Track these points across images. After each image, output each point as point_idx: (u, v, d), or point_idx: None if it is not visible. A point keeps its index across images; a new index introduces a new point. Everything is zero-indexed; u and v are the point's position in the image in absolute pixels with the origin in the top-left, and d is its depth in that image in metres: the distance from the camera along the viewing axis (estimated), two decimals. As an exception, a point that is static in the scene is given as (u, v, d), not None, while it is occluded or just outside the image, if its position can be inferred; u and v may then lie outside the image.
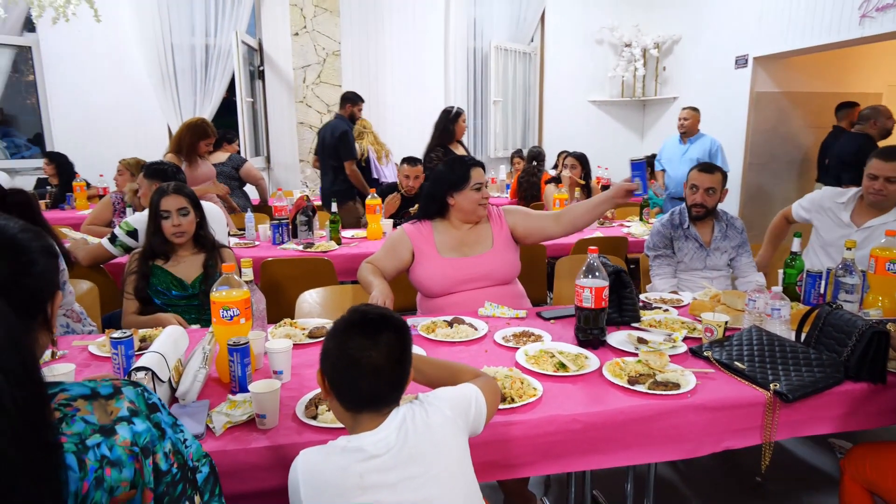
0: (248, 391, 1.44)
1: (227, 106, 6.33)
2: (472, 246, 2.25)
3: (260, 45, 6.36)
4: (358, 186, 4.65)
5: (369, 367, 1.04)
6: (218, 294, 1.49)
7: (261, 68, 6.42)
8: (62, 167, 5.25)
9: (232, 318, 1.48)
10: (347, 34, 6.30)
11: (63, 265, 2.09)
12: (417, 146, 6.55)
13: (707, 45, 6.20)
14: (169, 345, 1.44)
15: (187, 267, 2.26)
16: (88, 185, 5.17)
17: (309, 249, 3.20)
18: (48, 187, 5.27)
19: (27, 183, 5.86)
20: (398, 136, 6.75)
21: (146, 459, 0.79)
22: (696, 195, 2.66)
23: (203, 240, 2.28)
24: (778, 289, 1.76)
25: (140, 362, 1.32)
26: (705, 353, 1.64)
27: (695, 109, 4.94)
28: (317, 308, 2.27)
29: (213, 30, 6.10)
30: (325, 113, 6.30)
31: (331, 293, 2.33)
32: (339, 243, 3.34)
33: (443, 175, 2.29)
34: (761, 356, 1.58)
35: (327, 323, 1.94)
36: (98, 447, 0.74)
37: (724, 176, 2.72)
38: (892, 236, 1.97)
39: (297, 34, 6.10)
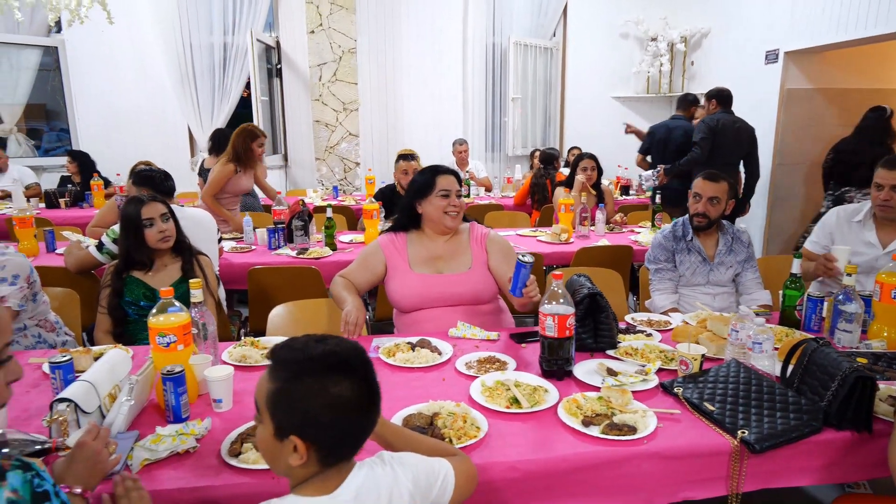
0: (182, 421, 1.40)
1: (246, 103, 6.37)
2: (448, 262, 2.16)
3: (277, 43, 6.37)
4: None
5: (368, 406, 0.95)
6: (155, 320, 1.44)
7: (278, 66, 6.44)
8: (84, 165, 5.37)
9: (168, 344, 1.43)
10: (363, 31, 6.24)
11: (35, 276, 2.10)
12: (435, 143, 6.51)
13: (736, 40, 5.91)
14: (103, 372, 1.41)
15: (165, 275, 2.24)
16: (107, 183, 5.27)
17: (302, 255, 3.16)
18: (69, 185, 5.40)
19: (53, 180, 6.03)
20: (415, 133, 6.69)
21: None
22: (699, 204, 2.51)
23: (180, 245, 2.27)
24: (760, 320, 1.62)
25: (65, 392, 1.28)
26: (675, 390, 1.52)
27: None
28: (289, 323, 2.21)
29: (231, 28, 6.13)
30: (341, 111, 6.27)
31: (303, 307, 2.28)
32: (333, 249, 3.30)
33: (412, 183, 2.21)
34: (735, 397, 1.45)
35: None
36: None
37: (731, 186, 2.56)
38: (899, 261, 1.79)
39: (312, 32, 6.08)
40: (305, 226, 3.39)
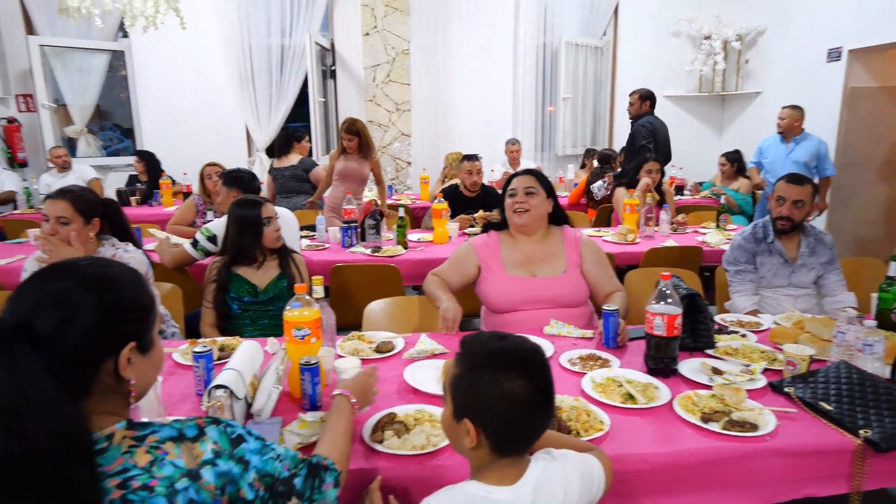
0: (318, 408, 1.49)
1: (301, 101, 6.54)
2: (541, 265, 2.21)
3: (332, 45, 6.51)
4: None
5: (538, 406, 1.00)
6: (290, 313, 1.54)
7: (333, 68, 6.58)
8: (151, 165, 5.59)
9: (303, 337, 1.53)
10: (417, 33, 6.33)
11: (151, 272, 2.23)
12: (485, 143, 6.56)
13: (795, 37, 5.81)
14: (245, 361, 1.51)
15: (264, 272, 2.36)
16: (173, 182, 5.48)
17: (376, 253, 3.26)
18: (138, 184, 5.63)
19: (120, 179, 6.30)
20: (465, 133, 6.75)
21: (237, 495, 0.85)
22: (783, 207, 2.51)
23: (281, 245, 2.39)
24: (872, 323, 1.63)
25: (219, 379, 1.38)
26: (786, 390, 1.55)
27: (794, 108, 4.60)
28: (384, 319, 2.31)
29: (289, 31, 6.30)
30: (394, 111, 6.37)
31: (397, 304, 2.37)
32: (405, 247, 3.39)
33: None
34: (850, 396, 1.47)
35: (394, 337, 1.97)
36: (186, 490, 0.79)
37: (815, 189, 2.56)
38: None
39: (367, 34, 6.19)
40: (377, 224, 3.49)
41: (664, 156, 4.76)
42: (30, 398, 0.70)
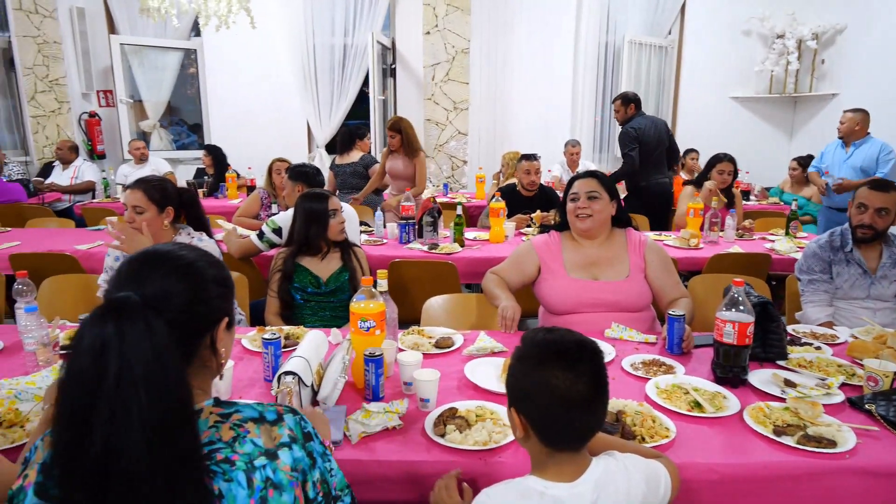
0: (381, 399, 1.52)
1: (360, 99, 6.67)
2: (604, 269, 2.18)
3: (393, 43, 6.59)
4: None
5: (580, 401, 0.98)
6: (357, 305, 1.58)
7: (393, 66, 6.66)
8: (217, 159, 5.80)
9: (368, 329, 1.56)
10: (477, 32, 6.33)
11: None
12: (542, 143, 6.50)
13: (879, 35, 5.48)
14: (312, 350, 1.56)
15: (326, 264, 2.43)
16: (238, 175, 5.68)
17: (434, 250, 3.28)
18: (206, 177, 5.88)
19: (188, 172, 6.58)
20: (522, 132, 6.71)
21: (303, 487, 0.86)
22: (864, 215, 2.38)
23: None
24: (966, 340, 1.53)
25: (288, 366, 1.43)
26: (867, 407, 1.47)
27: (857, 111, 4.35)
28: (442, 315, 2.33)
29: (352, 30, 6.42)
30: (452, 110, 6.40)
31: (456, 301, 2.38)
32: (462, 245, 3.40)
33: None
34: (940, 418, 1.38)
35: (453, 333, 1.98)
36: (264, 468, 0.82)
37: None
38: None
39: (428, 33, 6.23)
40: (435, 222, 3.52)
41: (655, 159, 4.54)
42: (165, 364, 0.75)
